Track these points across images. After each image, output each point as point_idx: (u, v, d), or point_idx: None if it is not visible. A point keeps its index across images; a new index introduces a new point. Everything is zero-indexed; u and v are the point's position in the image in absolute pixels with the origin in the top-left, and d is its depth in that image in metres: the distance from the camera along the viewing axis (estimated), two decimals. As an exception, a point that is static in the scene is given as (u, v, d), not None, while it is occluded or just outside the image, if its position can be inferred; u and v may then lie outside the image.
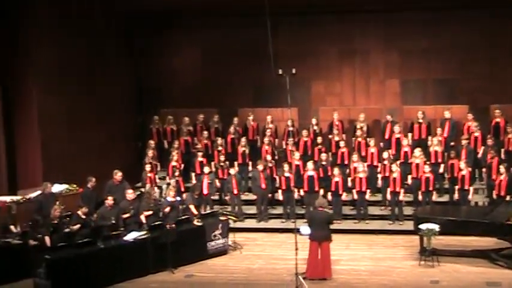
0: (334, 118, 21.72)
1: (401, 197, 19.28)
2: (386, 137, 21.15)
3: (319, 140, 20.89)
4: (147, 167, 19.93)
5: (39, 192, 18.08)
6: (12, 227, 16.72)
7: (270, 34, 16.76)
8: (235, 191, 19.90)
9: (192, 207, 18.09)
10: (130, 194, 17.49)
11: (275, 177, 20.24)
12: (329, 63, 23.32)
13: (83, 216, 16.63)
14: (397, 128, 20.78)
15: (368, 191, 19.47)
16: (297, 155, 20.04)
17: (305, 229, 16.07)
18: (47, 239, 16.10)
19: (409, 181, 19.67)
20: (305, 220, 17.09)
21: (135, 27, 23.53)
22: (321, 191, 19.49)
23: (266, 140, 21.07)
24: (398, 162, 19.64)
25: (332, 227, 18.34)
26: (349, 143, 21.14)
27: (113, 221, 16.89)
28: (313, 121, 21.81)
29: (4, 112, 19.38)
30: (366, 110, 22.27)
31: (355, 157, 19.89)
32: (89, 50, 21.51)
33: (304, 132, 21.18)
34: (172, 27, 23.60)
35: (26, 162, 19.75)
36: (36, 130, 19.91)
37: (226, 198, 19.94)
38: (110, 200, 17.16)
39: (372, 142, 20.58)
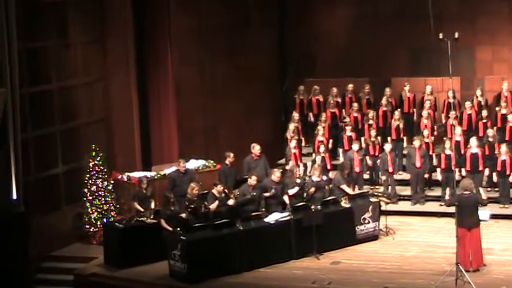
0: (503, 88, 20.32)
1: None
2: None
3: (485, 113, 19.61)
4: (292, 143, 19.35)
5: (174, 168, 17.96)
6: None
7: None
8: (391, 169, 19.03)
9: (344, 187, 17.47)
10: (277, 176, 16.80)
11: (433, 154, 19.18)
12: (497, 26, 21.67)
13: (218, 195, 16.35)
14: None
15: (543, 172, 18.09)
16: (458, 130, 18.94)
17: (484, 214, 15.23)
18: (182, 217, 15.77)
19: None
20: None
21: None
22: (486, 171, 18.30)
23: (425, 113, 20.01)
24: None
25: (499, 211, 17.79)
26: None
27: (253, 194, 16.43)
28: (478, 92, 20.52)
29: (139, 84, 19.39)
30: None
31: (526, 133, 18.62)
32: (228, 15, 21.39)
33: (468, 104, 19.93)
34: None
35: (161, 137, 19.78)
36: (172, 102, 19.97)
37: (383, 177, 19.11)
38: (253, 180, 16.63)
39: (545, 116, 19.15)
